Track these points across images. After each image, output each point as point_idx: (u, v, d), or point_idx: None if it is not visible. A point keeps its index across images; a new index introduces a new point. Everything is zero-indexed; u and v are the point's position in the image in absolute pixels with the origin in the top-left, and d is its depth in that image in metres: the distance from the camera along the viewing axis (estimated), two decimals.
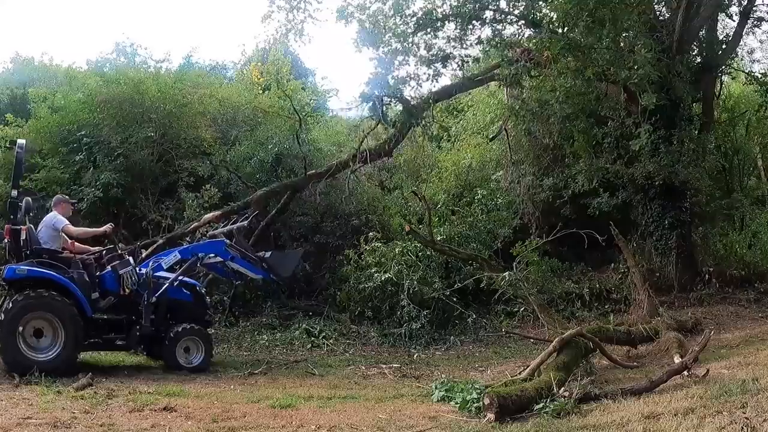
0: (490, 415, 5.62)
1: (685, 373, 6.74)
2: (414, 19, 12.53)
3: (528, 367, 7.09)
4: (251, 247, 9.69)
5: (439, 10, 12.61)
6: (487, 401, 5.74)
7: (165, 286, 8.26)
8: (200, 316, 8.72)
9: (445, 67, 13.09)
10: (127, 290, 7.92)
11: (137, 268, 8.22)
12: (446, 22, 12.71)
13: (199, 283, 9.07)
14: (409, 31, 12.60)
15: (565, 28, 11.76)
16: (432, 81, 13.23)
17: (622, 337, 8.83)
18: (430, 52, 12.82)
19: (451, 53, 12.92)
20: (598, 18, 10.85)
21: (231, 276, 9.58)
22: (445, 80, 13.96)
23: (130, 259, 8.21)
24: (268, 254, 9.42)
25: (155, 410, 6.07)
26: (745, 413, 4.96)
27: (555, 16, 12.39)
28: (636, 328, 9.21)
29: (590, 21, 10.87)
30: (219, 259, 8.84)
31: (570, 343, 7.33)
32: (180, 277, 8.58)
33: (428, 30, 12.66)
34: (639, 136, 12.19)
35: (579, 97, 11.79)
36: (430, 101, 13.25)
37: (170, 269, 8.63)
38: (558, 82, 11.59)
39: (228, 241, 8.98)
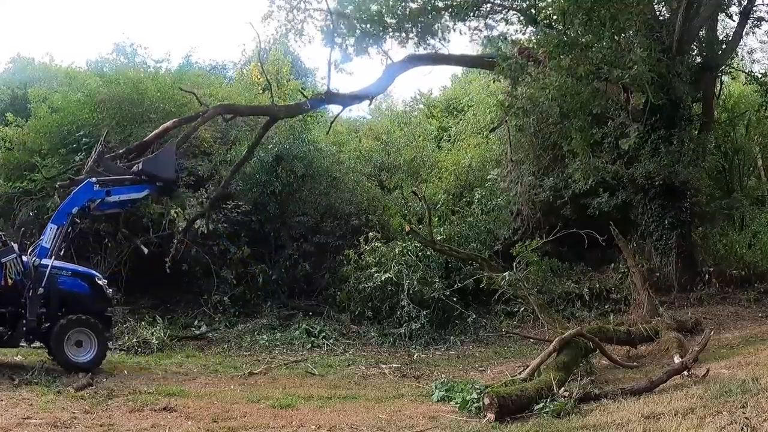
0: (490, 415, 5.62)
1: (685, 373, 6.74)
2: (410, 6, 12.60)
3: (528, 367, 7.10)
4: (123, 168, 8.97)
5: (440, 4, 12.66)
6: (487, 401, 5.74)
7: (46, 274, 7.59)
8: (100, 310, 8.06)
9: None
10: (10, 280, 7.37)
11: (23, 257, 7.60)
12: (443, 12, 12.74)
13: (98, 273, 8.39)
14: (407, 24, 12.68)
15: (562, 26, 11.78)
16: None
17: (622, 337, 8.82)
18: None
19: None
20: (595, 17, 10.85)
21: (127, 205, 8.96)
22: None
23: (15, 246, 7.63)
24: (140, 166, 8.77)
25: (155, 410, 6.08)
26: (745, 413, 4.96)
27: (555, 15, 12.41)
28: (636, 328, 9.21)
29: (587, 20, 10.87)
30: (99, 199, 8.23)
31: (570, 343, 7.33)
32: (72, 267, 8.05)
33: (425, 18, 12.70)
34: (630, 135, 12.21)
35: (572, 96, 11.81)
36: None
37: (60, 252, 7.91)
38: (549, 80, 11.60)
39: (93, 178, 8.35)
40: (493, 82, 14.88)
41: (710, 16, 13.54)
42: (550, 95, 11.78)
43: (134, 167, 8.80)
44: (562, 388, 6.16)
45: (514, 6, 12.89)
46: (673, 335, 8.87)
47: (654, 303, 10.47)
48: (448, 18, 12.90)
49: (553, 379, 6.32)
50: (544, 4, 12.61)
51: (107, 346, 8.06)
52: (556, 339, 7.34)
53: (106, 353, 7.97)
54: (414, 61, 13.63)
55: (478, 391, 6.27)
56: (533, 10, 12.50)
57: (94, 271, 8.41)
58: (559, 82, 11.38)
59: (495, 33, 13.19)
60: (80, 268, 8.31)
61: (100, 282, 8.22)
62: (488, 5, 12.83)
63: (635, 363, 8.36)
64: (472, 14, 12.70)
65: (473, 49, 15.50)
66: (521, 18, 12.95)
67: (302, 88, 18.37)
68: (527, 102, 12.83)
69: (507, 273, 10.48)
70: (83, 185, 8.33)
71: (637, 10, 11.19)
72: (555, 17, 12.41)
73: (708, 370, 6.70)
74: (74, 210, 8.08)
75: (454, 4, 12.46)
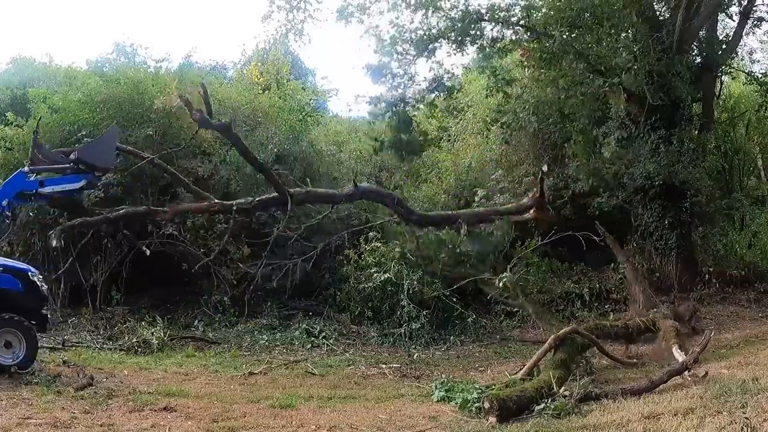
0: (492, 419, 5.63)
1: (686, 373, 6.74)
2: (413, 44, 12.74)
3: (525, 366, 7.12)
4: (60, 154, 8.56)
5: (433, 31, 12.83)
6: (487, 405, 5.74)
7: None
8: (34, 308, 7.60)
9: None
10: None
11: None
12: (442, 39, 12.92)
13: (33, 269, 7.94)
14: (411, 55, 12.86)
15: (557, 33, 11.85)
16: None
17: (619, 331, 8.86)
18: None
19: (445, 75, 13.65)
20: (580, 24, 10.93)
21: (72, 194, 8.53)
22: None
23: None
24: (75, 154, 8.20)
25: (155, 410, 6.08)
26: (745, 413, 4.97)
27: (548, 26, 12.52)
28: (633, 322, 9.23)
29: (568, 30, 10.96)
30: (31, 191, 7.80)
31: (566, 340, 7.37)
32: (4, 262, 7.66)
33: (427, 52, 12.87)
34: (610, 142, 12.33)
35: (550, 107, 12.00)
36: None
37: None
38: (531, 93, 11.78)
39: (26, 168, 7.97)
40: (486, 97, 15.03)
41: (710, 16, 13.56)
42: (530, 110, 11.95)
43: (71, 155, 8.33)
44: (563, 388, 6.17)
45: (509, 20, 12.99)
46: (669, 324, 8.89)
47: (649, 295, 10.51)
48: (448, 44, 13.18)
49: (552, 377, 6.33)
50: (540, 14, 12.69)
51: (37, 347, 7.56)
52: (552, 337, 7.37)
53: (35, 355, 7.49)
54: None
55: (479, 391, 6.29)
56: (528, 19, 12.59)
57: (28, 267, 7.98)
58: (538, 97, 11.55)
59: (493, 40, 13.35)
60: (14, 264, 7.94)
61: (34, 278, 7.72)
62: (486, 23, 12.96)
63: (634, 360, 8.37)
64: (471, 32, 12.84)
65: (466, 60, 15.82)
66: (516, 29, 13.06)
67: (302, 88, 18.45)
68: (512, 117, 13.03)
69: (504, 275, 10.30)
70: (14, 175, 8.03)
71: (624, 14, 11.26)
72: (548, 27, 12.50)
73: (707, 372, 6.71)
74: (4, 202, 7.62)
75: (454, 28, 12.63)
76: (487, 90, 13.71)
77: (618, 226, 13.35)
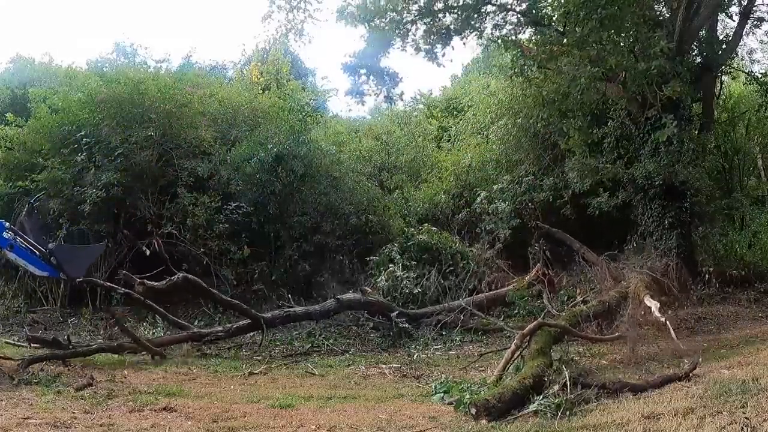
0: (483, 420, 5.64)
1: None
2: (416, 6, 12.55)
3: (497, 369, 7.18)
4: (41, 236, 8.37)
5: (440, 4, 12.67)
6: (474, 411, 5.76)
7: None
8: None
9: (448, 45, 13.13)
10: None
11: None
12: (447, 13, 12.73)
13: None
14: (409, 19, 12.64)
15: (563, 27, 11.78)
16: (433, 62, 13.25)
17: (597, 310, 8.87)
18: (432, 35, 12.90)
19: (457, 28, 12.94)
20: (606, 15, 10.84)
21: (22, 269, 8.30)
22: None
23: None
24: (52, 246, 8.05)
25: (155, 410, 6.08)
26: (745, 413, 4.97)
27: (556, 16, 12.42)
28: (608, 296, 9.24)
29: (597, 21, 10.85)
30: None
31: (536, 333, 7.43)
32: None
33: (428, 20, 12.68)
34: (664, 126, 12.14)
35: (593, 92, 11.85)
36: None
37: None
38: (578, 72, 11.56)
39: (7, 223, 7.77)
40: (511, 78, 14.67)
41: (710, 16, 13.52)
42: (580, 88, 11.80)
43: (50, 243, 8.16)
44: (557, 386, 6.16)
45: (517, 9, 12.88)
46: (637, 280, 8.99)
47: (613, 269, 10.52)
48: (452, 21, 12.93)
49: (532, 367, 6.42)
50: (548, 3, 12.61)
51: None
52: (518, 335, 7.43)
53: None
54: None
55: (470, 391, 6.31)
56: (536, 9, 12.50)
57: None
58: (589, 76, 11.36)
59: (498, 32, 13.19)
60: None
61: None
62: (492, 6, 12.83)
63: (617, 334, 8.39)
64: (476, 16, 12.71)
65: (472, 53, 15.57)
66: (521, 19, 12.97)
67: (302, 88, 18.48)
68: (557, 95, 12.83)
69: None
70: None
71: (640, 8, 11.22)
72: (555, 18, 12.42)
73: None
74: None
75: (462, 3, 12.48)
76: (512, 70, 13.47)
77: (618, 226, 13.36)
